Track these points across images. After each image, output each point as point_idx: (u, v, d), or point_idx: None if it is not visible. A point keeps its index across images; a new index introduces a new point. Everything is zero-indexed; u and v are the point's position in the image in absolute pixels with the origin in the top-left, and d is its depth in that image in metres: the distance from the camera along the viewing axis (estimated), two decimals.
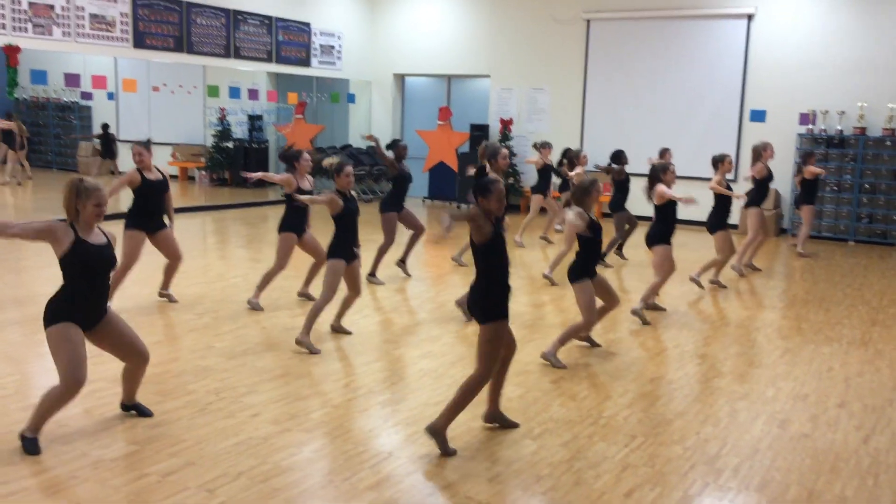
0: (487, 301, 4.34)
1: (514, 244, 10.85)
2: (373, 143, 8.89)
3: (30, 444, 4.17)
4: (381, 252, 8.67)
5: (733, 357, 6.35)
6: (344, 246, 6.12)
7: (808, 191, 11.04)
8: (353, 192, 6.28)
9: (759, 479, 4.17)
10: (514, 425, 4.71)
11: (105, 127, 15.36)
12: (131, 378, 4.62)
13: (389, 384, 5.46)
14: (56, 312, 4.22)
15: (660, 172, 7.26)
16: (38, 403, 4.23)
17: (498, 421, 4.70)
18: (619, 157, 10.01)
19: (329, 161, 6.45)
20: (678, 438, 4.65)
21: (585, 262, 5.99)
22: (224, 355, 5.87)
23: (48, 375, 5.38)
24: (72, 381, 4.14)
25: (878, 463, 4.42)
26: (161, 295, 7.39)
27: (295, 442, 4.40)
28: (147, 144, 7.04)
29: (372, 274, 8.60)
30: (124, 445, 4.27)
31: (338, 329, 6.56)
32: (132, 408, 4.72)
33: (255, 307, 7.21)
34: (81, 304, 4.23)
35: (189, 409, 4.82)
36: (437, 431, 4.31)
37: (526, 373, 5.71)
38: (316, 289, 7.93)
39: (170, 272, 7.34)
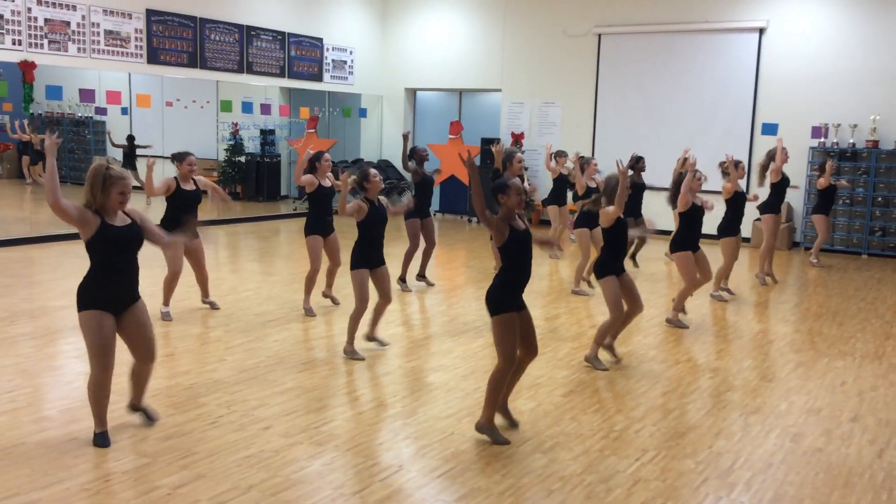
0: (499, 295, 4.60)
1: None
2: (406, 139, 9.06)
3: (98, 439, 4.43)
4: (408, 257, 8.89)
5: (746, 370, 6.31)
6: (365, 254, 6.17)
7: (821, 200, 11.08)
8: (380, 199, 6.28)
9: (772, 493, 4.14)
10: (515, 424, 4.89)
11: (130, 139, 15.47)
12: (138, 378, 4.70)
13: (400, 397, 5.46)
14: (86, 297, 4.35)
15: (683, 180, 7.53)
16: (89, 400, 4.45)
17: (502, 414, 4.89)
18: (636, 162, 10.06)
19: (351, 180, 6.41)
20: (690, 452, 4.62)
21: (609, 259, 6.16)
22: (235, 368, 5.88)
23: (60, 388, 5.43)
24: (99, 367, 4.32)
25: (893, 477, 4.37)
26: (205, 302, 7.66)
27: (305, 455, 4.40)
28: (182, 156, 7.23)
29: (402, 279, 8.74)
30: (135, 458, 4.28)
31: (372, 339, 6.55)
32: (139, 410, 4.78)
33: (308, 313, 7.49)
34: (110, 285, 4.35)
35: (200, 421, 4.82)
36: (484, 426, 4.67)
37: (537, 386, 5.70)
38: (337, 290, 8.00)
39: (203, 283, 7.58)
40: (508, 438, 4.67)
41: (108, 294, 4.35)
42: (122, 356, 5.93)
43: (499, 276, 4.67)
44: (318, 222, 7.54)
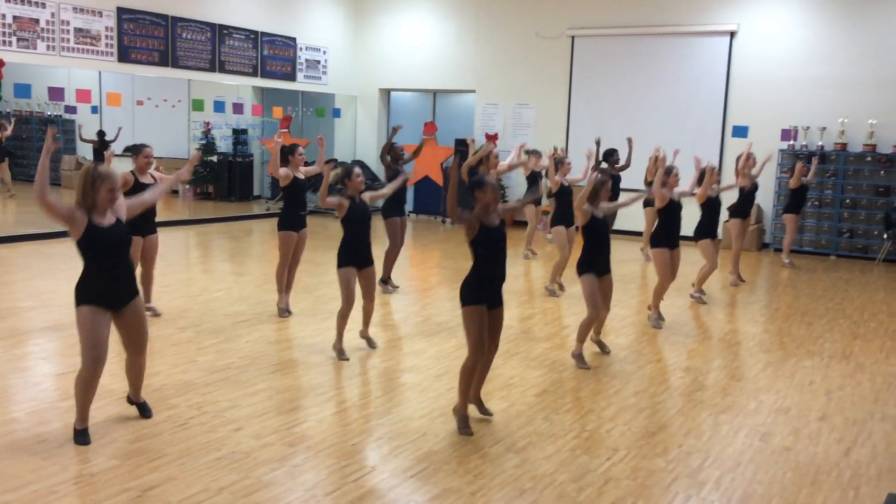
0: (467, 287, 4.76)
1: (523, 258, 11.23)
2: (396, 132, 9.11)
3: (79, 436, 4.45)
4: (389, 256, 8.84)
5: (716, 370, 6.38)
6: (351, 252, 6.17)
7: (793, 200, 11.28)
8: (363, 198, 6.28)
9: (741, 491, 4.19)
10: (488, 413, 5.08)
11: (101, 134, 15.28)
12: (134, 371, 4.76)
13: (373, 398, 5.45)
14: (81, 294, 4.42)
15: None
16: (75, 394, 4.48)
17: (476, 405, 5.09)
18: (610, 155, 10.72)
19: (334, 173, 6.45)
20: (661, 451, 4.66)
21: (589, 256, 6.25)
22: (206, 370, 5.84)
23: (28, 390, 5.36)
24: (90, 361, 4.38)
25: (860, 475, 4.44)
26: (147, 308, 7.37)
27: (277, 456, 4.38)
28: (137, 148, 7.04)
29: (384, 280, 8.72)
30: (105, 460, 4.24)
31: (365, 337, 6.61)
32: (136, 405, 4.86)
33: (282, 314, 7.46)
34: (103, 283, 4.40)
35: (170, 423, 4.79)
36: (456, 411, 4.90)
37: (510, 386, 5.72)
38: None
39: (146, 284, 7.16)
40: (474, 431, 4.79)
41: (106, 291, 4.41)
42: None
43: (471, 270, 4.80)
44: (292, 217, 7.48)
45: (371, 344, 6.58)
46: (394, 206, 8.77)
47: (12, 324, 6.92)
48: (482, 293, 4.75)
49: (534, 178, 11.12)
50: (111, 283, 4.43)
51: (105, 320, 4.41)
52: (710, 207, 8.66)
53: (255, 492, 3.94)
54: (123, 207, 4.61)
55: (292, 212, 7.50)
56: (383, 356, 6.43)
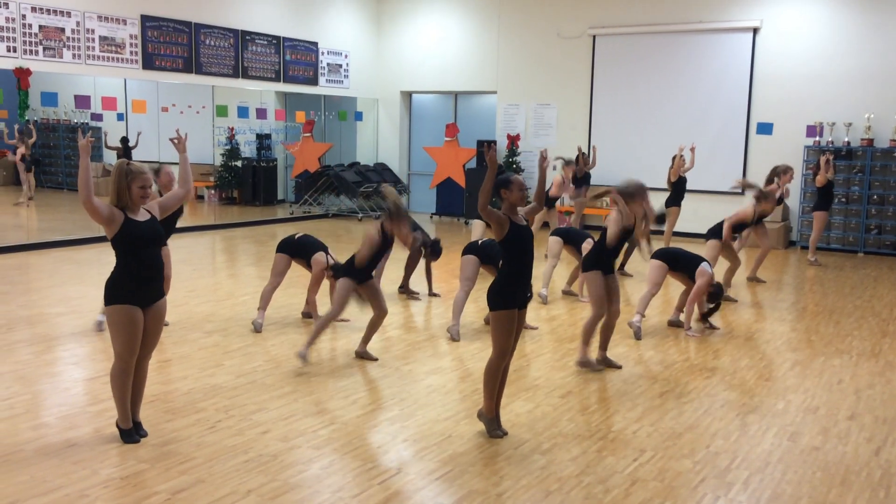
0: (498, 290, 4.67)
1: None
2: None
3: (125, 435, 4.57)
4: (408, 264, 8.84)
5: (743, 370, 6.33)
6: (353, 265, 6.13)
7: (821, 198, 11.30)
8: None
9: (769, 492, 4.15)
10: (501, 432, 4.85)
11: (124, 140, 15.44)
12: (137, 378, 4.65)
13: (398, 400, 5.47)
14: (114, 292, 4.47)
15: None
16: (113, 394, 4.56)
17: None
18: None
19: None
20: (688, 452, 4.63)
21: (598, 255, 6.15)
22: (233, 373, 5.88)
23: (59, 395, 5.43)
24: (127, 355, 4.46)
25: (890, 475, 4.39)
26: None
27: (304, 459, 4.40)
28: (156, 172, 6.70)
29: (403, 287, 8.73)
30: (134, 464, 4.29)
31: (363, 355, 6.34)
32: (133, 424, 4.67)
33: (257, 329, 7.11)
34: (136, 279, 4.46)
35: (198, 426, 4.83)
36: (482, 415, 4.86)
37: (535, 388, 5.71)
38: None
39: None
40: (504, 432, 4.78)
41: (138, 289, 4.46)
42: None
43: (500, 270, 4.74)
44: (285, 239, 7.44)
45: (370, 357, 6.33)
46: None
47: (42, 330, 7.01)
48: (515, 296, 4.66)
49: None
50: (145, 281, 4.48)
51: (139, 317, 4.46)
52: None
53: (282, 494, 3.97)
54: (156, 206, 4.69)
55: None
56: (407, 358, 6.44)
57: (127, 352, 4.46)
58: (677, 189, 11.07)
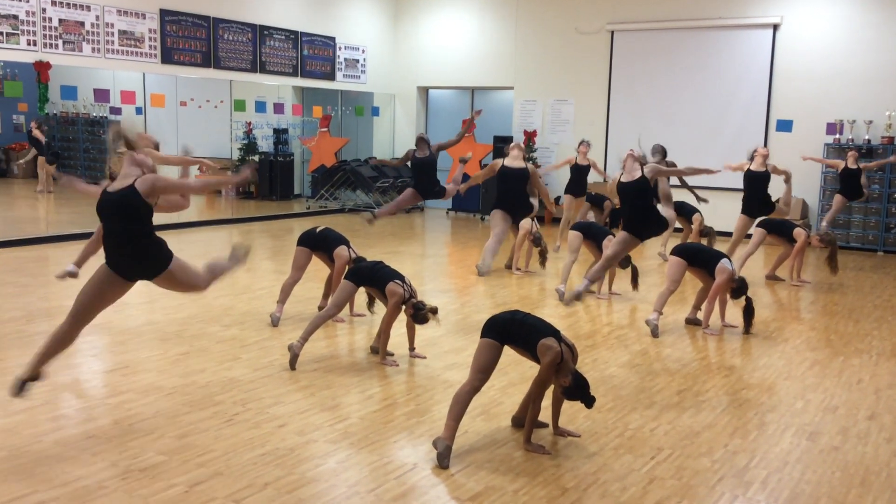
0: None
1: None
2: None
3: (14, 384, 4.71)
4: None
5: (762, 368, 6.29)
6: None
7: (842, 183, 11.61)
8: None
9: (788, 492, 4.12)
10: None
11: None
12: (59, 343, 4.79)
13: (414, 395, 5.47)
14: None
15: None
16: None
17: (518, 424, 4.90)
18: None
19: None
20: (706, 451, 4.60)
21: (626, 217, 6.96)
22: (250, 367, 5.90)
23: (77, 386, 5.47)
24: (70, 318, 4.66)
25: None
26: None
27: (320, 453, 4.41)
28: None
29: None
30: (152, 455, 4.31)
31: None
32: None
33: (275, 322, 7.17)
34: (104, 244, 4.62)
35: (216, 419, 4.85)
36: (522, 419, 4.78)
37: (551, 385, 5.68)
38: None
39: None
40: (514, 430, 4.69)
41: (107, 256, 4.62)
42: (131, 356, 5.98)
43: None
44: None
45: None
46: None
47: (61, 321, 7.05)
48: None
49: (579, 171, 11.58)
50: (107, 249, 4.62)
51: (103, 278, 4.60)
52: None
53: (299, 488, 3.98)
54: (150, 182, 4.52)
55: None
56: (423, 353, 6.43)
57: (77, 302, 4.58)
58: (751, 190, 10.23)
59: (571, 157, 11.71)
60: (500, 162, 8.89)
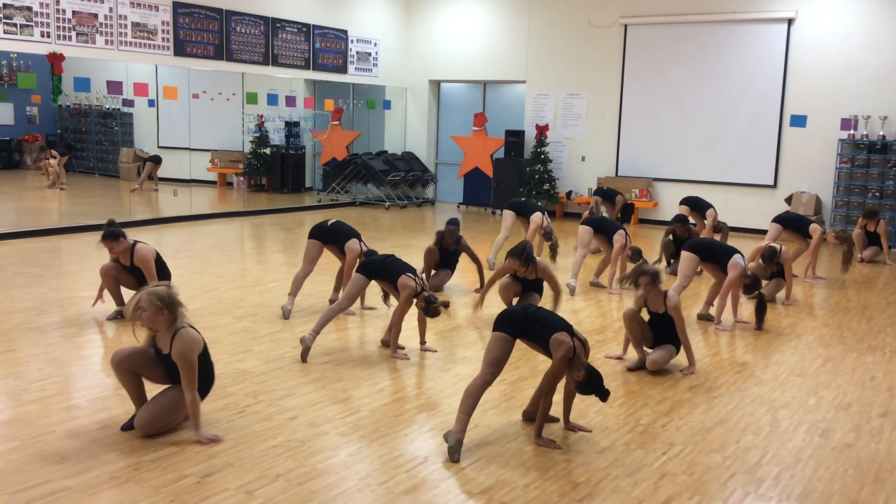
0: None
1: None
2: None
3: None
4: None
5: (774, 365, 6.26)
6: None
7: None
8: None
9: (800, 489, 4.10)
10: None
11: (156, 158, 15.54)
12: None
13: (425, 389, 5.47)
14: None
15: None
16: None
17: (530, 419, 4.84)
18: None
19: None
20: (718, 447, 4.59)
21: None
22: (262, 359, 5.92)
23: (90, 377, 5.49)
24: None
25: None
26: None
27: (332, 445, 4.42)
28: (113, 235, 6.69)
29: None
30: (164, 446, 4.32)
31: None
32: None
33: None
34: None
35: (227, 411, 4.86)
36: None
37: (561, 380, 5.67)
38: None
39: None
40: (525, 427, 4.68)
41: None
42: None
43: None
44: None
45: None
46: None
47: (73, 312, 7.09)
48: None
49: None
50: None
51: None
52: None
53: (310, 479, 3.99)
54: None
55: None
56: (434, 346, 6.43)
57: None
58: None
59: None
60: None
